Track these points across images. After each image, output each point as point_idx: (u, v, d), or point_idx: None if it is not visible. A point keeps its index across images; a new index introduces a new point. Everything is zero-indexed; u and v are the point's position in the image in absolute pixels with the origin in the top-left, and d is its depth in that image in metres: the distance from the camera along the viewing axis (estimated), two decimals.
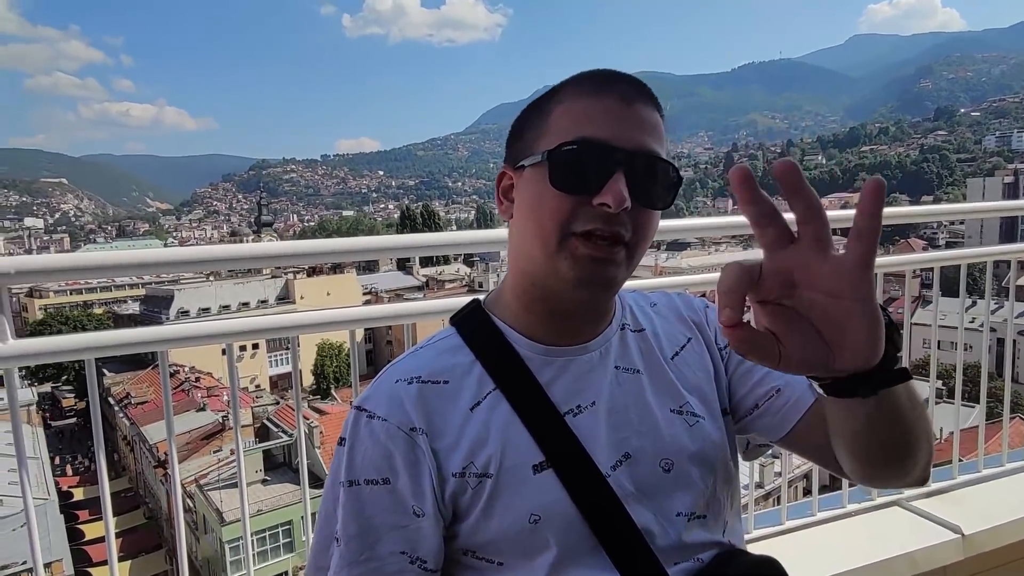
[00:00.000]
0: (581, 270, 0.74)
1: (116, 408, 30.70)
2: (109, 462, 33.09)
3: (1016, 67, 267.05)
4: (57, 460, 33.22)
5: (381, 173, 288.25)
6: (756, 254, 0.57)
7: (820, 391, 0.64)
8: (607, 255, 0.74)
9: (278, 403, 25.11)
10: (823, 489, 2.17)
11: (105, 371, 34.36)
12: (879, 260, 2.37)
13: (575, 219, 0.73)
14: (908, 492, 2.23)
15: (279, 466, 18.68)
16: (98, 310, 60.76)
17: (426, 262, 57.37)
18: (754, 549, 0.90)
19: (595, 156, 0.73)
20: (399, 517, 0.75)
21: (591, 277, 0.75)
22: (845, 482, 2.17)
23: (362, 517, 0.75)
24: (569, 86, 0.78)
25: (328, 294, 45.38)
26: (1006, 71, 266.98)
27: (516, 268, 0.82)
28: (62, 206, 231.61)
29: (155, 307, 46.68)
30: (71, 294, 67.09)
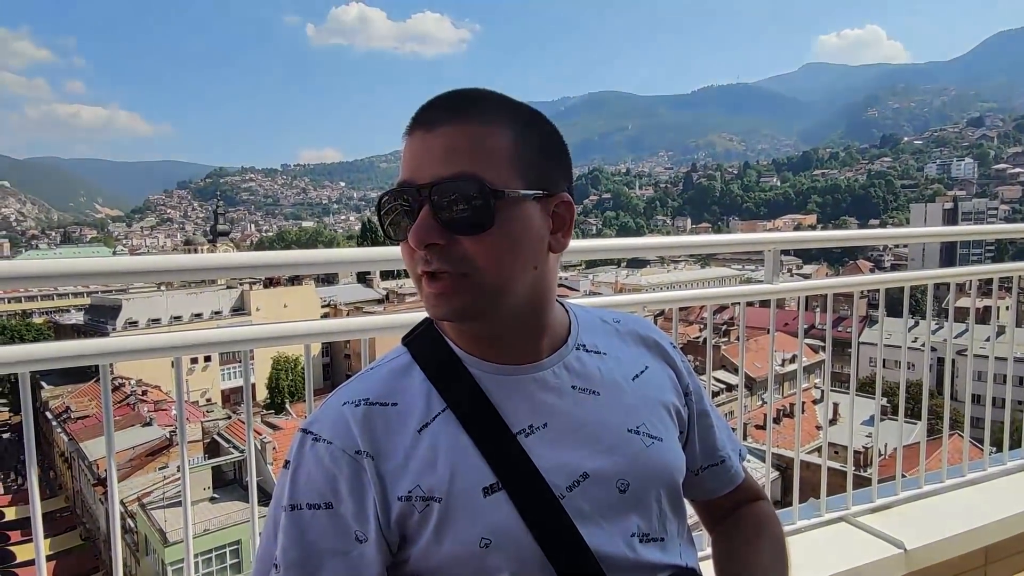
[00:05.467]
0: (432, 307, 0.76)
1: (54, 423, 29.20)
2: (44, 480, 31.48)
3: (956, 99, 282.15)
4: None
5: (343, 184, 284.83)
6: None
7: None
8: (441, 289, 0.74)
9: (229, 417, 24.33)
10: (774, 506, 2.21)
11: (42, 384, 32.75)
12: (830, 281, 2.44)
13: (415, 262, 0.76)
14: (855, 508, 2.29)
15: (230, 483, 18.03)
16: (38, 320, 58.03)
17: (387, 275, 56.74)
18: (706, 567, 0.91)
19: (402, 199, 0.75)
20: (341, 542, 0.73)
21: (439, 313, 0.76)
22: (795, 499, 2.21)
23: (303, 542, 0.73)
24: None
25: (285, 306, 44.44)
26: (947, 102, 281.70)
27: None
28: (2, 210, 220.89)
29: (100, 317, 44.81)
30: (9, 302, 64.03)
